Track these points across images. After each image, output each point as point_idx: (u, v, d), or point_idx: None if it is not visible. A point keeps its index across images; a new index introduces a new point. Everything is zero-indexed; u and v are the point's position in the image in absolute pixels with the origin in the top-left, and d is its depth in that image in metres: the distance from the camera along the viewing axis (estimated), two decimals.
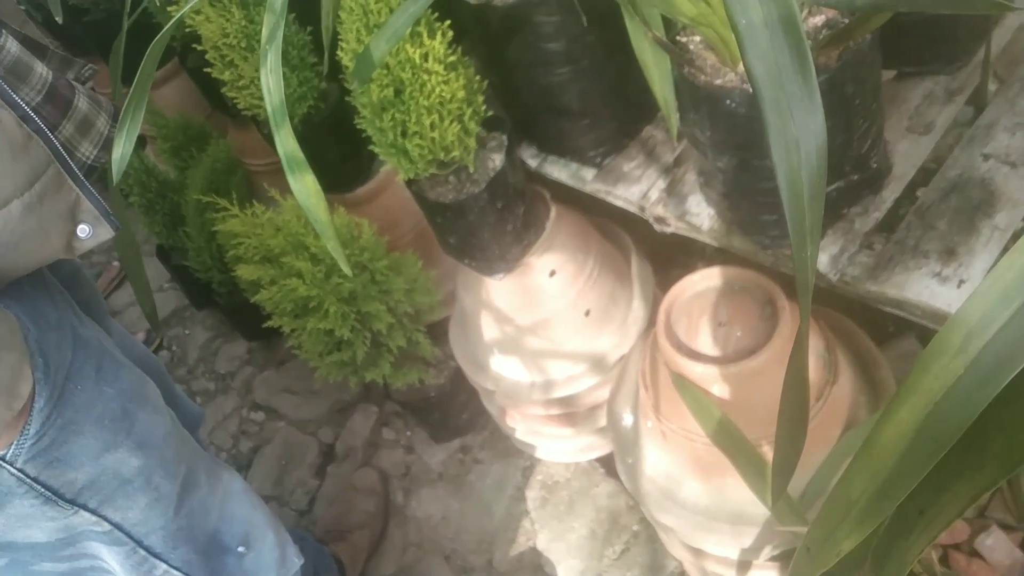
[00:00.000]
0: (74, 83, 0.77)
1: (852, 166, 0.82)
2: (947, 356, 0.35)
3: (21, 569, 0.78)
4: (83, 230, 0.71)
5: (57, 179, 0.68)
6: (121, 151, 0.58)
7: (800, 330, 0.45)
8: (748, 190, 0.83)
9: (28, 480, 0.70)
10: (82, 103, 0.74)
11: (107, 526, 0.77)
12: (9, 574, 0.79)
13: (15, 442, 0.68)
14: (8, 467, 0.68)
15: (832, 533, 0.42)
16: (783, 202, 0.40)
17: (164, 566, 0.84)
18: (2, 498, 0.69)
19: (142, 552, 0.82)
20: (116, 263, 2.36)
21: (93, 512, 0.76)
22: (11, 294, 0.71)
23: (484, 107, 0.99)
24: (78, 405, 0.73)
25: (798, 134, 0.40)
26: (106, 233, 0.73)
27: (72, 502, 0.74)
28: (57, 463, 0.71)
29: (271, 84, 0.60)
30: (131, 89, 0.56)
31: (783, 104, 0.40)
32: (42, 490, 0.71)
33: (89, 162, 0.74)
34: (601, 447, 1.41)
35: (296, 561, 1.02)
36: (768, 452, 0.95)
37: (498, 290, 1.19)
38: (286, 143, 0.60)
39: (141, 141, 1.99)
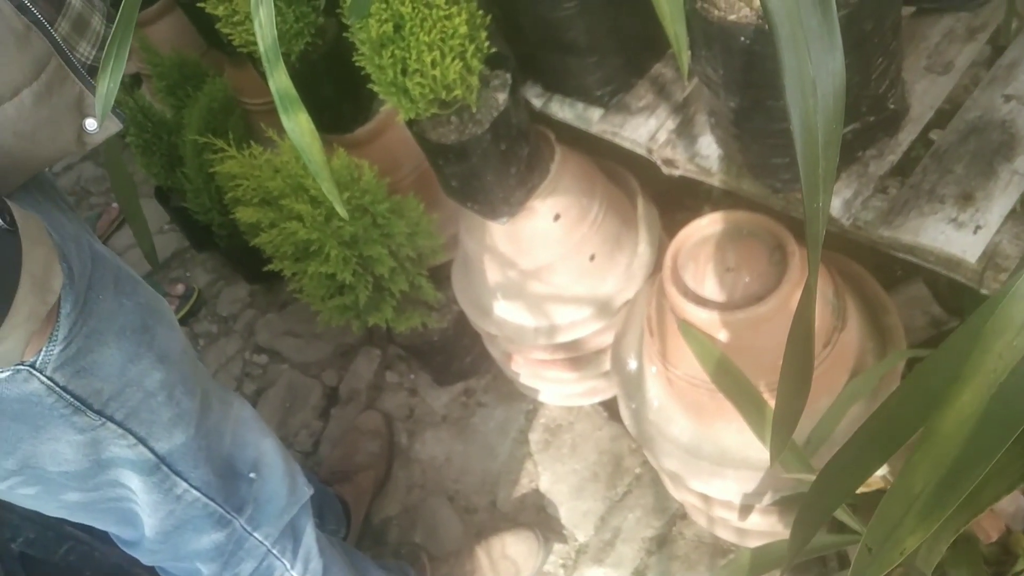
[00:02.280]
0: None
1: (868, 107, 0.79)
2: (1010, 333, 0.33)
3: (52, 498, 0.79)
4: (91, 123, 0.72)
5: (60, 72, 0.68)
6: (106, 91, 0.55)
7: (807, 283, 0.43)
8: (760, 132, 0.81)
9: (57, 389, 0.70)
10: (76, 1, 0.72)
11: (132, 440, 0.78)
12: (40, 502, 0.79)
13: (44, 349, 0.68)
14: (38, 375, 0.68)
15: (894, 530, 0.39)
16: (796, 147, 0.38)
17: (185, 484, 0.85)
18: (31, 408, 0.69)
19: (165, 469, 0.82)
20: (116, 204, 2.34)
21: (119, 424, 0.76)
22: (28, 202, 0.71)
23: (487, 43, 0.95)
24: (101, 315, 0.73)
25: (815, 74, 0.37)
26: (114, 126, 0.74)
27: (100, 413, 0.74)
28: (84, 373, 0.72)
29: (263, 17, 0.56)
30: (115, 23, 0.54)
31: (800, 41, 0.37)
32: (71, 399, 0.71)
33: (89, 63, 0.73)
34: (604, 391, 1.41)
35: (306, 491, 1.03)
36: (771, 399, 0.94)
37: (501, 234, 1.17)
38: (279, 80, 0.57)
39: (136, 80, 1.94)
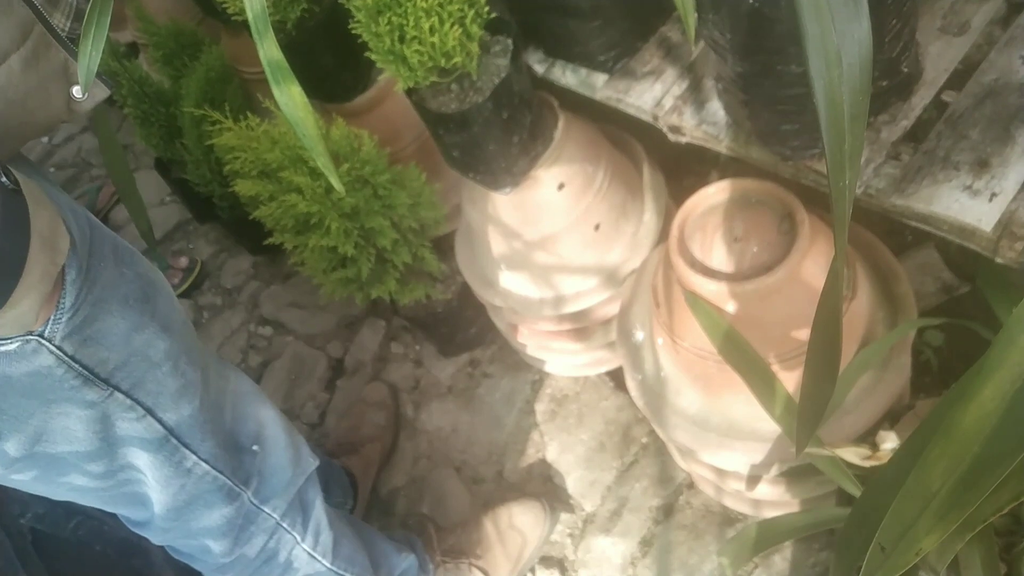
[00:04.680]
0: None
1: (882, 71, 0.76)
2: None
3: (62, 481, 0.78)
4: (77, 90, 0.72)
5: (44, 39, 0.68)
6: (88, 59, 0.53)
7: (833, 267, 0.41)
8: (769, 97, 0.78)
9: (66, 358, 0.69)
10: None
11: (140, 411, 0.78)
12: (51, 486, 0.79)
13: (52, 317, 0.68)
14: (47, 344, 0.68)
15: (909, 529, 0.37)
16: (820, 122, 0.35)
17: (195, 458, 0.85)
18: (41, 382, 0.69)
19: (174, 441, 0.82)
20: None
21: (127, 394, 0.76)
22: (23, 171, 0.70)
23: (487, 8, 0.92)
24: (104, 283, 0.73)
25: (839, 44, 0.34)
26: (102, 93, 0.74)
27: (107, 381, 0.74)
28: (91, 341, 0.71)
29: None
30: None
31: (823, 7, 0.34)
32: (80, 369, 0.71)
33: (65, 34, 0.72)
34: (610, 361, 1.39)
35: (311, 461, 1.02)
36: (780, 371, 0.93)
37: (505, 205, 1.15)
38: (269, 51, 0.55)
39: (133, 49, 1.91)
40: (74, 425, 0.74)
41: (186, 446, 0.84)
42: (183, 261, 1.98)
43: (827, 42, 0.35)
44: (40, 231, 0.64)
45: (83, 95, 0.71)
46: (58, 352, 0.69)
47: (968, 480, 0.33)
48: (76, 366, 0.70)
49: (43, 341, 0.67)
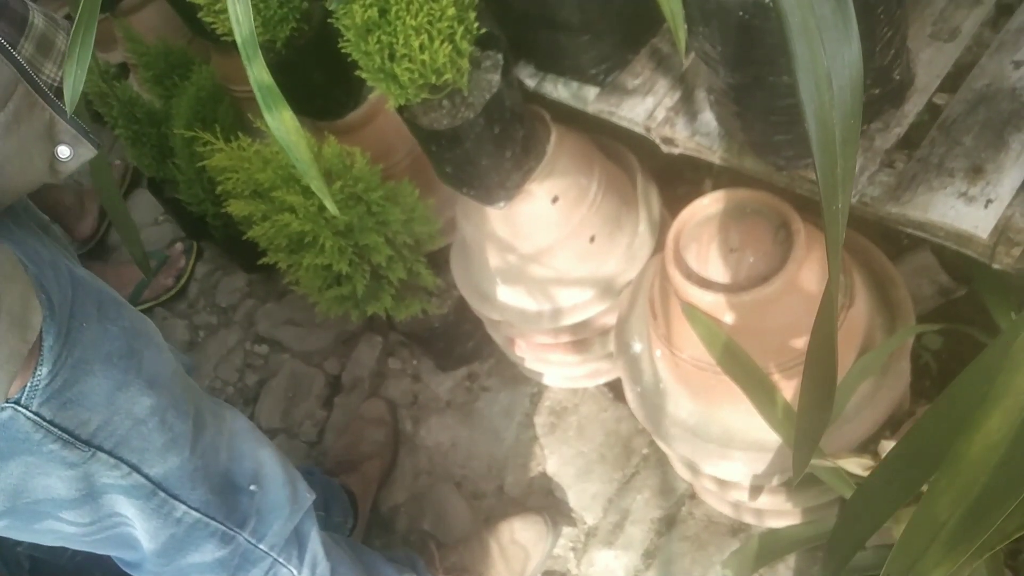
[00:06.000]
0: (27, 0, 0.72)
1: (874, 79, 0.76)
2: None
3: (48, 532, 0.77)
4: (63, 151, 0.69)
5: (28, 98, 0.65)
6: (73, 82, 0.53)
7: (827, 292, 0.40)
8: (762, 108, 0.78)
9: (44, 423, 0.68)
10: (38, 20, 0.69)
11: (126, 469, 0.76)
12: (36, 535, 0.77)
13: (28, 384, 0.66)
14: (24, 411, 0.66)
15: (917, 562, 0.36)
16: (812, 147, 0.35)
17: (184, 507, 0.83)
18: (19, 445, 0.67)
19: (162, 495, 0.81)
20: None
21: (110, 454, 0.74)
22: (6, 228, 0.69)
23: (477, 24, 0.92)
24: (85, 344, 0.71)
25: (830, 66, 0.34)
26: (88, 152, 0.70)
27: (88, 443, 0.72)
28: (71, 404, 0.69)
29: (239, 12, 0.54)
30: (79, 11, 0.51)
31: (812, 30, 0.34)
32: (59, 433, 0.69)
33: (56, 84, 0.70)
34: (609, 372, 1.39)
35: (308, 496, 1.01)
36: (780, 380, 0.92)
37: (499, 219, 1.14)
38: (259, 75, 0.55)
39: (123, 69, 1.91)
40: (55, 484, 0.72)
41: (175, 497, 0.82)
42: (179, 246, 2.02)
43: (817, 65, 0.34)
44: (9, 309, 0.62)
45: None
46: (35, 418, 0.67)
47: (976, 511, 0.32)
48: (55, 430, 0.69)
49: (19, 408, 0.66)
